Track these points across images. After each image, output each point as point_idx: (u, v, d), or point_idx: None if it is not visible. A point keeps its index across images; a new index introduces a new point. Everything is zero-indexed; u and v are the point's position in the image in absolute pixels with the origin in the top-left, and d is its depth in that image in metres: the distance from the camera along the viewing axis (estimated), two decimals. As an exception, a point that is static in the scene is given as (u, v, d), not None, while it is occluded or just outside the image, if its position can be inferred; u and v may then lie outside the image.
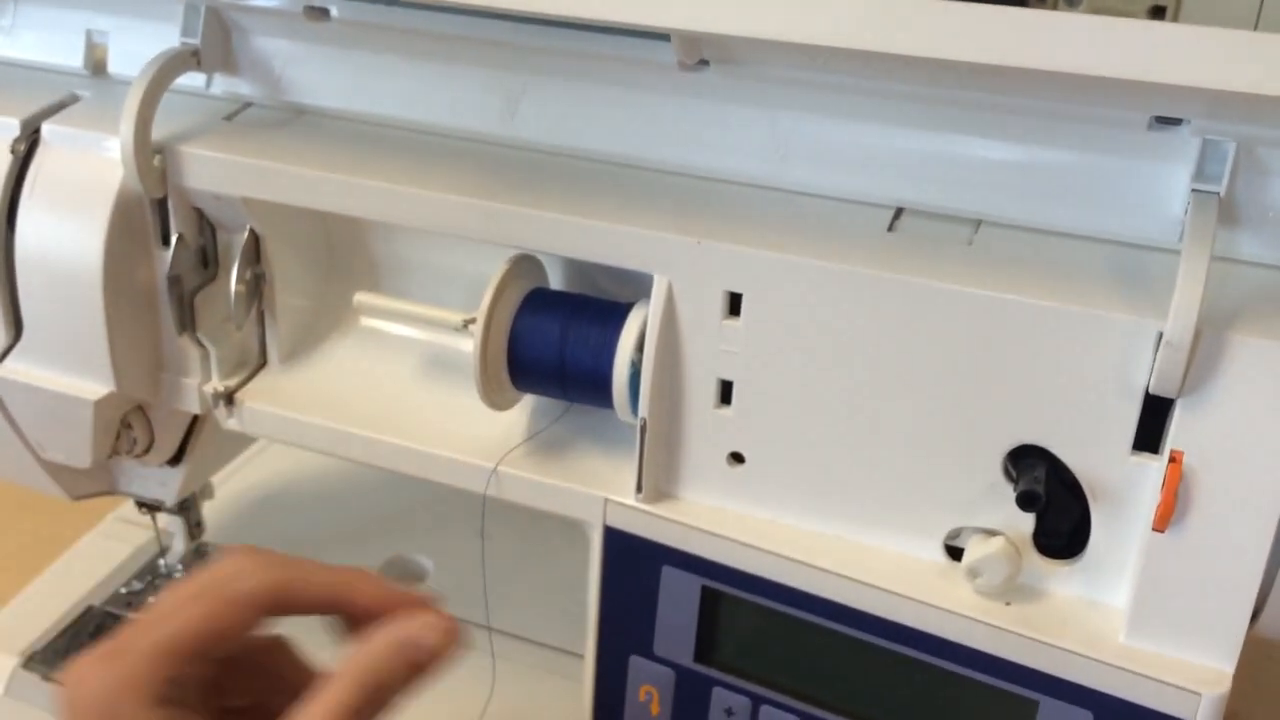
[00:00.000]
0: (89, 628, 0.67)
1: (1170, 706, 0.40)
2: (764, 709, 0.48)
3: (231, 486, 0.77)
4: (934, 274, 0.41)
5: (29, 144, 0.52)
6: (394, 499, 0.78)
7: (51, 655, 0.65)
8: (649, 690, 0.50)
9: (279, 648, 0.46)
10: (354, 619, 0.43)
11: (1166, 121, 0.41)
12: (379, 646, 0.41)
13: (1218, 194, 0.40)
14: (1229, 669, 0.41)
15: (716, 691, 0.49)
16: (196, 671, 0.41)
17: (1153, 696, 0.41)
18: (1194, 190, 0.40)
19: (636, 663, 0.50)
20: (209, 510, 0.72)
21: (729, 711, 0.49)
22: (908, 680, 0.45)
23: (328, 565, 0.43)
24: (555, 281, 0.52)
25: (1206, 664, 0.41)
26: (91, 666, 0.39)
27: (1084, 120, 0.42)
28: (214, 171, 0.50)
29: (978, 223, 0.44)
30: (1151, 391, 0.39)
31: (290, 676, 0.45)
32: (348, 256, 0.56)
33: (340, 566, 0.43)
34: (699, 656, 0.49)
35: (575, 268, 0.51)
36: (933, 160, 0.44)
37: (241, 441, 0.73)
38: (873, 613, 0.44)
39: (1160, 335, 0.38)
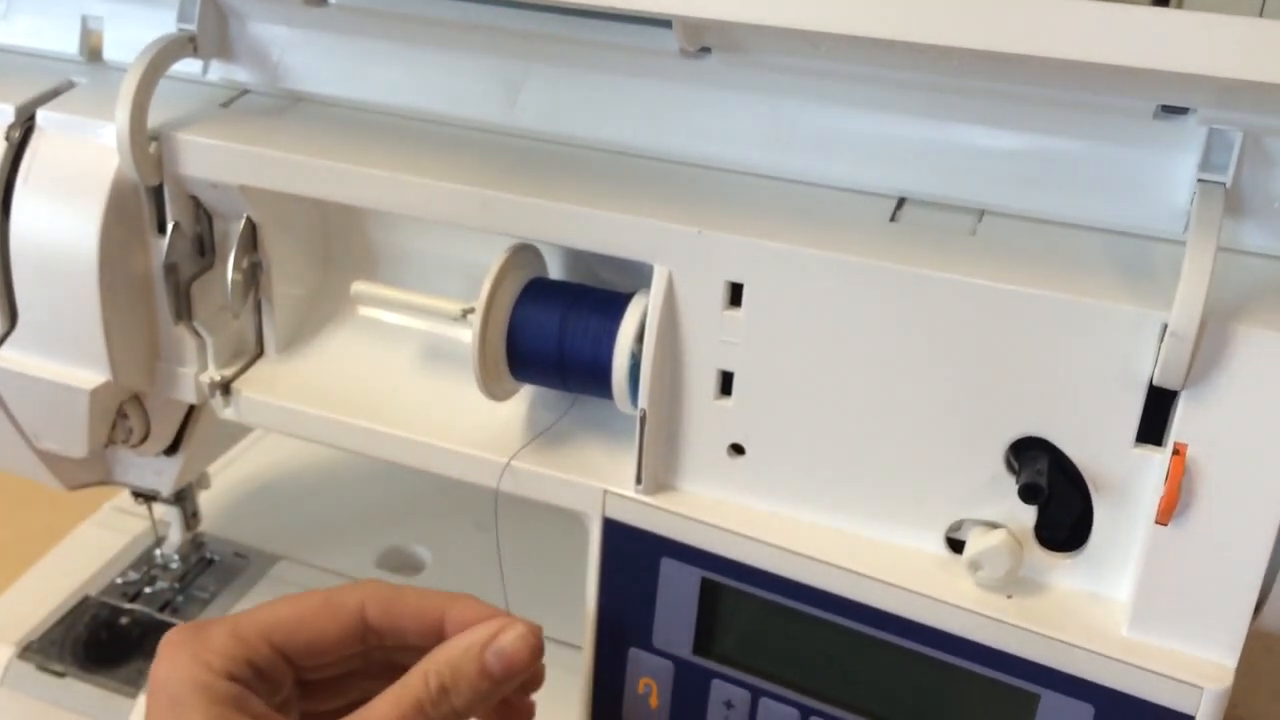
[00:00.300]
0: (85, 618, 0.67)
1: (1172, 700, 0.40)
2: (763, 701, 0.48)
3: (228, 477, 0.77)
4: (937, 264, 0.41)
5: (24, 131, 0.51)
6: (391, 490, 0.78)
7: (47, 645, 0.65)
8: (648, 683, 0.50)
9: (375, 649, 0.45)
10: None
11: (1173, 110, 0.40)
12: (455, 649, 0.42)
13: (1224, 184, 0.39)
14: (1231, 663, 0.40)
15: (716, 684, 0.48)
16: (283, 668, 0.41)
17: (1154, 690, 0.40)
18: (1200, 180, 0.40)
19: (635, 655, 0.50)
20: (205, 500, 0.72)
21: (728, 704, 0.48)
22: (908, 673, 0.45)
23: (430, 590, 0.44)
24: (554, 271, 0.51)
25: (1209, 658, 0.41)
26: (174, 635, 0.41)
27: (1089, 109, 0.41)
28: (210, 159, 0.49)
29: (981, 213, 0.44)
30: (1155, 383, 0.38)
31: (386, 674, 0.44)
32: (345, 245, 0.55)
33: (442, 592, 0.44)
34: (698, 649, 0.48)
35: (575, 257, 0.51)
36: (936, 149, 0.43)
37: (238, 431, 0.72)
38: (873, 605, 0.44)
39: (1165, 326, 0.37)
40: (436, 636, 0.43)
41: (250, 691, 0.40)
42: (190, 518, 0.70)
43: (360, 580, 0.44)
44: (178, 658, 0.40)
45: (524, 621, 0.43)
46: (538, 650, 0.43)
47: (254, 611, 0.42)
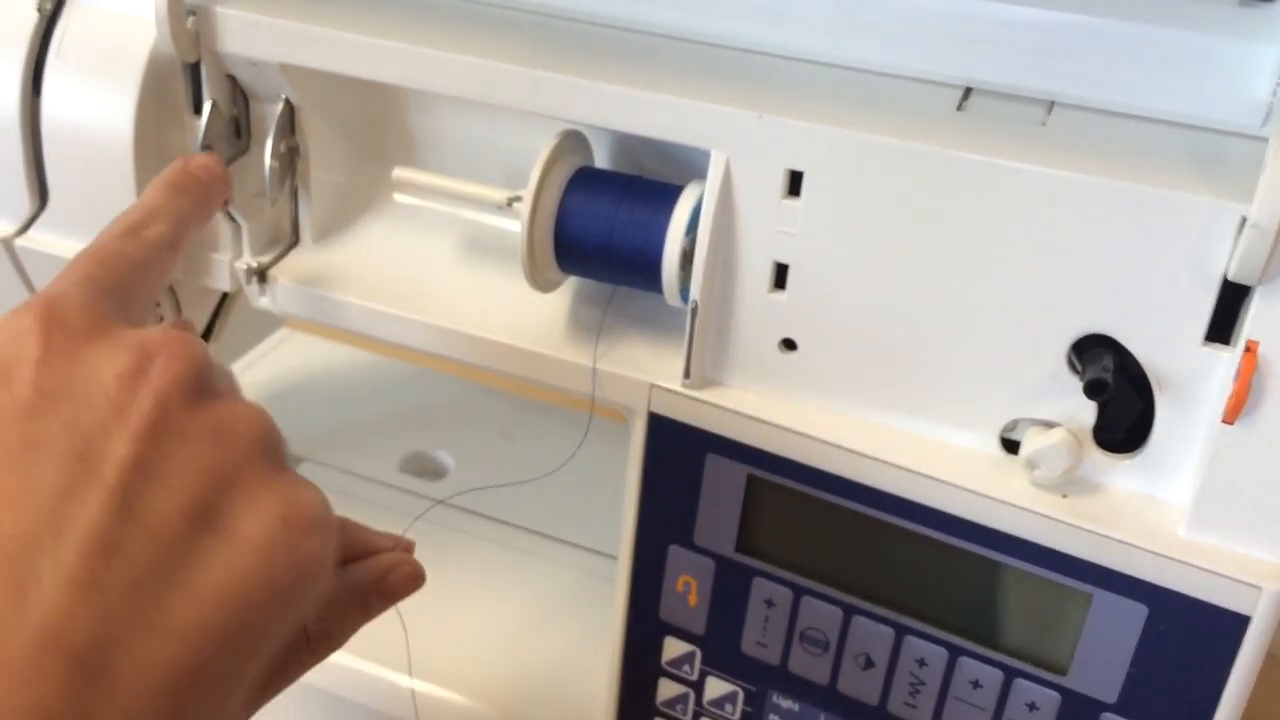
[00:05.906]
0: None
1: (1229, 601, 0.40)
2: (806, 600, 0.47)
3: (252, 377, 0.76)
4: (1005, 153, 0.40)
5: (56, 3, 0.50)
6: (416, 395, 0.78)
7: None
8: (687, 580, 0.50)
9: None
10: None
11: (1258, -3, 0.39)
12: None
13: (1310, 74, 0.38)
14: (1291, 564, 0.40)
15: (758, 582, 0.48)
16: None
17: (1211, 590, 0.40)
18: (1285, 70, 0.38)
19: (676, 552, 0.49)
20: (228, 400, 0.71)
21: (769, 602, 0.48)
22: (957, 572, 0.44)
23: None
24: (600, 162, 0.50)
25: (1268, 559, 0.40)
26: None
27: (1170, -5, 0.40)
28: (250, 35, 0.48)
29: (1051, 104, 0.42)
30: (1230, 278, 0.37)
31: None
32: (383, 132, 0.54)
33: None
34: (741, 546, 0.48)
35: (622, 147, 0.50)
36: (1005, 36, 0.42)
37: (265, 327, 0.71)
38: (924, 503, 0.44)
39: (1244, 219, 0.36)
40: None
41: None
42: (214, 416, 0.69)
43: None
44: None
45: (403, 553, 0.39)
46: (421, 581, 0.39)
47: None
